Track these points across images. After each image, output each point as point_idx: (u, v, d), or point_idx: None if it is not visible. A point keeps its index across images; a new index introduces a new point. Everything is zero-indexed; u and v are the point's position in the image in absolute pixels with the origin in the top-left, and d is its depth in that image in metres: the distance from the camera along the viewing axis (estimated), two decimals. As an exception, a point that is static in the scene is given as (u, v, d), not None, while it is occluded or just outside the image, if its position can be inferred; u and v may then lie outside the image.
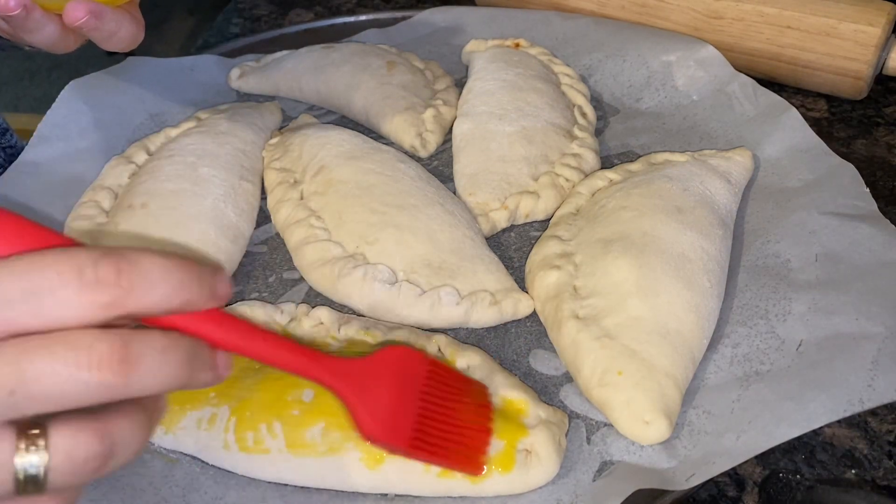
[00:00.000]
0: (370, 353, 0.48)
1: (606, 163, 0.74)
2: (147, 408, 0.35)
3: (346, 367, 0.45)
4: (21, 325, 0.32)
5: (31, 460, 0.32)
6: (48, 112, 0.75)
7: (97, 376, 0.32)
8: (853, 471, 0.54)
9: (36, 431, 0.32)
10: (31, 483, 0.32)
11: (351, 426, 0.45)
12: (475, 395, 0.51)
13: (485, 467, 0.49)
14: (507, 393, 0.52)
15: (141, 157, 0.73)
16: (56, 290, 0.32)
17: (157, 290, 0.33)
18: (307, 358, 0.42)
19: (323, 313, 0.58)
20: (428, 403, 0.48)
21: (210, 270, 0.36)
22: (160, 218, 0.65)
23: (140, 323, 0.35)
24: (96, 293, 0.32)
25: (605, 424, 0.53)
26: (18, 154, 0.74)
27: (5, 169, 0.72)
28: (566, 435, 0.52)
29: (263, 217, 0.71)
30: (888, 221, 0.61)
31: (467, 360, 0.55)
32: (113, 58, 0.81)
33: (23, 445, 0.32)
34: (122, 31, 0.57)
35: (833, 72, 0.83)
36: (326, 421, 0.50)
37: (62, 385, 0.32)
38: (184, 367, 0.35)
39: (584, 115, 0.78)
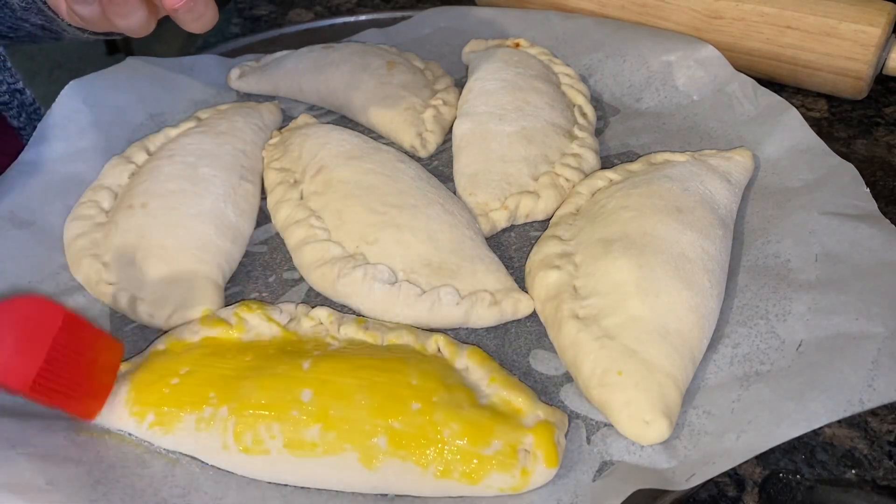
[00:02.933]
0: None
1: (606, 163, 0.74)
2: None
3: None
4: None
5: None
6: (48, 112, 0.75)
7: None
8: (853, 471, 0.54)
9: None
10: None
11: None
12: (106, 352, 0.54)
13: (98, 414, 0.53)
14: (506, 393, 0.52)
15: (141, 157, 0.73)
16: None
17: None
18: None
19: (323, 313, 0.58)
20: (57, 352, 0.49)
21: None
22: (160, 218, 0.65)
23: None
24: None
25: (605, 424, 0.53)
26: (38, 112, 0.73)
27: (26, 129, 0.71)
28: (566, 435, 0.52)
29: (263, 217, 0.71)
30: (888, 221, 0.61)
31: (467, 360, 0.55)
32: (113, 58, 0.81)
33: None
34: (209, 11, 0.60)
35: (833, 72, 0.83)
36: (325, 421, 0.50)
37: None
38: None
39: (584, 115, 0.78)
